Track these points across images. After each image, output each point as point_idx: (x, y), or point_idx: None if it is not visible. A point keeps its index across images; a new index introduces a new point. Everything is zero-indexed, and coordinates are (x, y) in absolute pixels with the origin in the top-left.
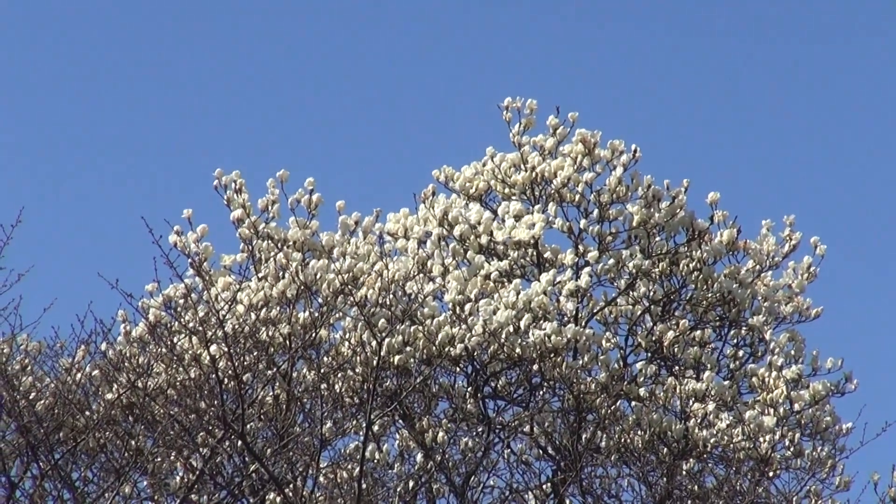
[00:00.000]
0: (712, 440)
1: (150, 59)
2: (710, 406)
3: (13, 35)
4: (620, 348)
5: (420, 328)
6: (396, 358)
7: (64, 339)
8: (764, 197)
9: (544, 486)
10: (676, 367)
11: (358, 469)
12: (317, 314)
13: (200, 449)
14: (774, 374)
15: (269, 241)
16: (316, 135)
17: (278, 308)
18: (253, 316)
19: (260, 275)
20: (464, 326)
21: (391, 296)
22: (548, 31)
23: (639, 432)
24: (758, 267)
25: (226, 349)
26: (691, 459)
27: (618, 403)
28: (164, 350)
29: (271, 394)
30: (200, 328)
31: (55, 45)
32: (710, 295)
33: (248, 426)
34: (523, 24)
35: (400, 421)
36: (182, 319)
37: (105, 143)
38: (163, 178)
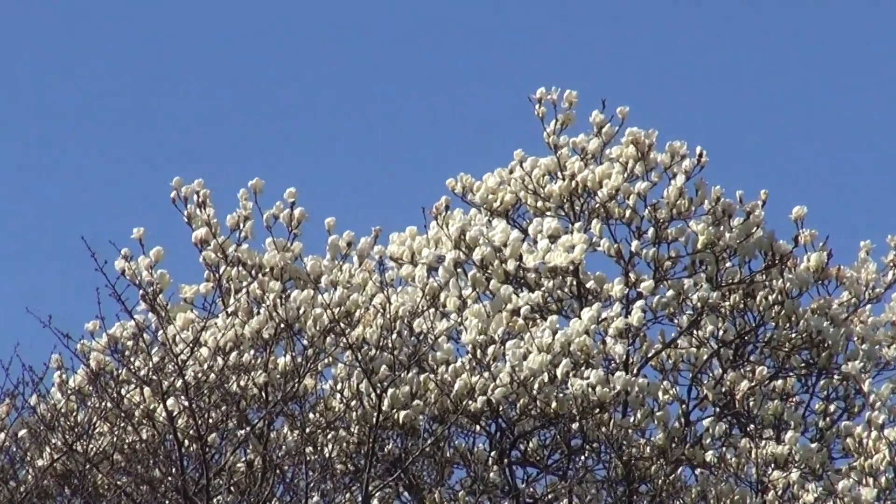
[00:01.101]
0: None
1: (107, 49)
2: (794, 474)
3: None
4: (682, 402)
5: (431, 377)
6: (401, 414)
7: None
8: (861, 213)
9: None
10: (752, 426)
11: None
12: (300, 359)
13: None
14: (874, 434)
15: (241, 268)
16: (297, 136)
17: (252, 352)
18: (220, 361)
19: (229, 310)
20: (486, 375)
21: (394, 336)
22: (597, 13)
23: None
24: (854, 300)
25: (186, 403)
26: None
27: (678, 471)
28: (108, 405)
29: (243, 459)
30: (154, 377)
31: None
32: (793, 335)
33: (215, 500)
34: (565, 2)
35: (405, 493)
36: (132, 366)
37: (37, 147)
38: (108, 189)
